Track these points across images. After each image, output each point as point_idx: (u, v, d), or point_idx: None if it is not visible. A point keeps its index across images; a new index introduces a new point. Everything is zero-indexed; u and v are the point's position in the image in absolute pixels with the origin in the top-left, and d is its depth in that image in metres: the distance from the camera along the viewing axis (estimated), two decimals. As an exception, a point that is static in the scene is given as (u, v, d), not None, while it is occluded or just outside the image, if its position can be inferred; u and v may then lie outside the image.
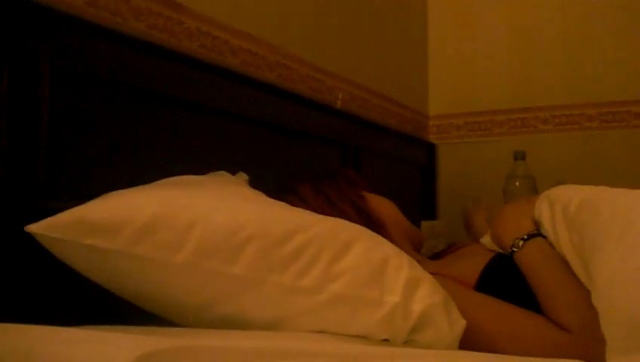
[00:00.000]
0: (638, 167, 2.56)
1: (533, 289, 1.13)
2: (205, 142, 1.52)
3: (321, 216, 1.04)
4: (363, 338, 0.92)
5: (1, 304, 1.04)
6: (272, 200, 1.11)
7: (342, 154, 2.14)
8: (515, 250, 1.21)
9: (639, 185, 1.10)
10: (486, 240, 1.38)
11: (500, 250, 1.30)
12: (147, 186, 1.07)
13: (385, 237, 1.03)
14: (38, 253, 0.96)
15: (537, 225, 1.24)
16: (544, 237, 1.20)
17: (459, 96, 2.97)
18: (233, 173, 1.39)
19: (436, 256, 1.52)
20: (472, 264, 1.27)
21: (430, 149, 2.95)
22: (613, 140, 2.64)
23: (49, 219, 0.92)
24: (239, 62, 1.70)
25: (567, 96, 2.73)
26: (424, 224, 2.38)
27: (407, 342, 0.93)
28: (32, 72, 1.13)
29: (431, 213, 2.88)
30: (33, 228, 0.92)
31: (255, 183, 1.36)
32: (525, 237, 1.21)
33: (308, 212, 1.06)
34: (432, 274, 0.99)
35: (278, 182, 1.47)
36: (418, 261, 1.02)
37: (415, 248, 1.46)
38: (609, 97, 2.65)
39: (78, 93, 1.22)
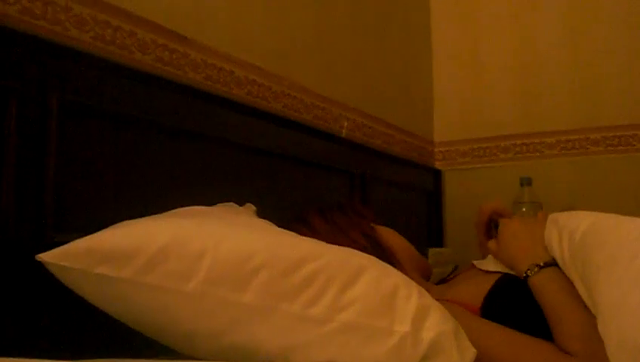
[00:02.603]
0: (644, 191, 2.56)
1: (545, 314, 1.13)
2: (212, 173, 1.52)
3: (330, 245, 1.04)
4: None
5: (11, 336, 1.04)
6: (281, 229, 1.12)
7: (348, 182, 2.15)
8: (530, 274, 1.21)
9: (646, 210, 1.10)
10: (486, 263, 1.39)
11: (504, 271, 1.30)
12: (157, 216, 1.07)
13: (395, 267, 1.03)
14: (47, 285, 0.97)
15: (548, 248, 1.24)
16: (558, 266, 1.20)
17: (464, 122, 2.98)
18: (240, 204, 1.40)
19: (442, 282, 1.52)
20: (477, 286, 1.27)
21: (436, 176, 2.95)
22: (619, 164, 2.64)
23: (60, 247, 0.93)
24: (244, 93, 1.71)
25: (573, 121, 2.73)
26: (431, 251, 2.38)
27: (418, 372, 0.92)
28: (40, 107, 1.14)
29: (438, 240, 2.88)
30: (44, 256, 0.93)
31: (262, 213, 1.37)
32: (542, 264, 1.21)
33: (317, 241, 1.06)
34: (437, 299, 0.99)
35: (286, 211, 1.48)
36: (427, 289, 1.01)
37: (424, 276, 1.46)
38: (614, 121, 2.65)
39: (85, 127, 1.23)
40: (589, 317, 1.06)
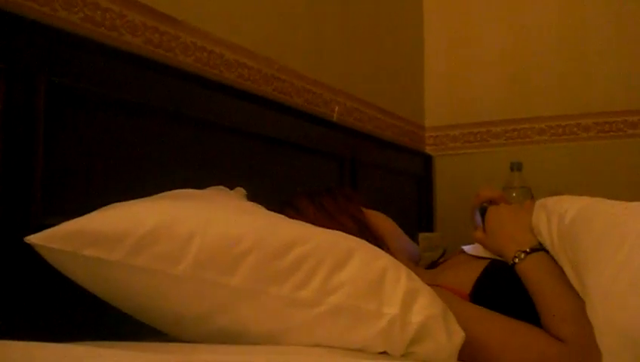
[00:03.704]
0: (634, 176, 2.57)
1: (533, 300, 1.14)
2: (202, 156, 1.52)
3: (319, 228, 1.04)
4: (361, 351, 0.92)
5: (1, 319, 1.04)
6: (271, 212, 1.12)
7: (338, 166, 2.15)
8: (517, 261, 1.21)
9: (636, 195, 1.10)
10: (475, 249, 1.39)
11: (493, 257, 1.30)
12: (146, 199, 1.07)
13: (383, 251, 1.03)
14: (36, 267, 0.96)
15: (536, 233, 1.24)
16: (546, 251, 1.20)
17: (455, 107, 2.98)
18: (230, 187, 1.39)
19: (432, 266, 1.52)
20: (466, 272, 1.28)
21: (427, 161, 2.95)
22: (609, 150, 2.64)
23: (49, 230, 0.92)
24: (235, 76, 1.70)
25: (563, 107, 2.74)
26: (421, 236, 2.38)
27: (406, 355, 0.92)
28: (28, 88, 1.13)
29: (428, 225, 2.89)
30: (33, 238, 0.93)
31: (252, 197, 1.36)
32: (528, 250, 1.21)
33: (307, 224, 1.06)
34: (427, 284, 0.99)
35: (275, 195, 1.47)
36: (416, 274, 1.02)
37: (413, 261, 1.46)
38: (605, 107, 2.66)
39: (74, 108, 1.22)
40: (577, 301, 1.06)
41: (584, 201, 1.16)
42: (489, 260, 1.30)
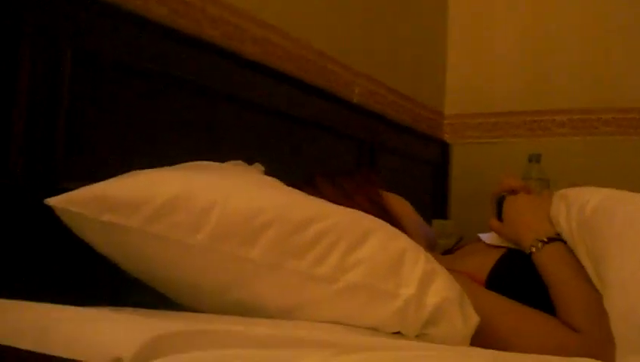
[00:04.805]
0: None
1: (549, 289, 1.13)
2: (222, 131, 1.52)
3: (339, 206, 1.03)
4: (376, 330, 0.92)
5: (19, 281, 1.04)
6: (291, 188, 1.11)
7: (357, 149, 2.14)
8: (534, 250, 1.20)
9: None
10: (490, 237, 1.38)
11: (510, 246, 1.30)
12: (167, 168, 1.07)
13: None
14: (57, 233, 0.97)
15: (554, 224, 1.24)
16: (563, 241, 1.19)
17: (475, 96, 2.96)
18: (249, 163, 1.39)
19: (447, 253, 1.52)
20: (482, 260, 1.27)
21: (444, 148, 2.94)
22: (629, 146, 2.62)
23: (69, 193, 0.93)
24: (260, 52, 1.69)
25: (584, 100, 2.71)
26: (435, 222, 2.38)
27: (420, 336, 0.92)
28: (54, 54, 1.14)
29: (442, 213, 2.87)
30: (53, 201, 0.93)
31: (270, 174, 1.36)
32: (545, 240, 1.20)
33: (326, 201, 1.06)
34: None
35: (293, 173, 1.47)
36: (433, 257, 1.01)
37: (429, 246, 1.45)
38: (626, 103, 2.63)
39: (98, 76, 1.23)
40: (593, 292, 1.06)
41: (606, 193, 1.15)
42: (506, 249, 1.30)
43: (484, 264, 1.25)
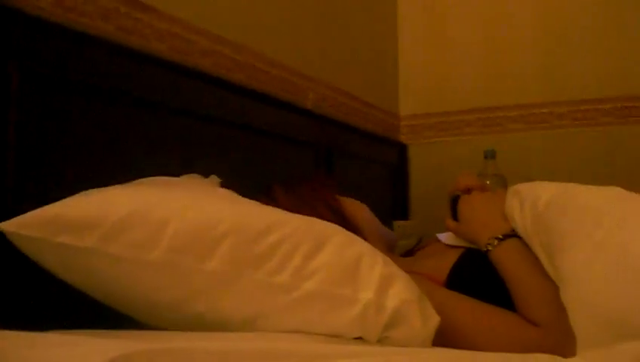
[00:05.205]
0: (607, 164, 2.59)
1: (507, 286, 1.14)
2: (176, 145, 1.51)
3: (295, 214, 1.03)
4: (337, 336, 0.92)
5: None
6: (246, 199, 1.11)
7: (313, 155, 2.14)
8: (490, 248, 1.22)
9: (609, 182, 1.11)
10: (448, 237, 1.39)
11: (468, 245, 1.31)
12: (120, 186, 1.06)
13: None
14: (7, 256, 0.95)
15: (509, 220, 1.25)
16: (519, 237, 1.21)
17: (429, 96, 2.99)
18: (204, 175, 1.39)
19: (408, 254, 1.53)
20: (441, 260, 1.29)
21: (401, 150, 2.96)
22: (583, 138, 2.66)
23: (20, 216, 0.91)
24: (210, 64, 1.69)
25: (537, 95, 2.75)
26: (396, 224, 2.39)
27: (381, 340, 0.93)
28: (1, 75, 1.12)
29: (403, 214, 2.89)
30: (4, 226, 0.91)
31: (227, 186, 1.36)
32: (501, 237, 1.22)
33: (283, 210, 1.06)
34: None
35: (250, 183, 1.47)
36: (392, 260, 1.02)
37: (389, 249, 1.46)
38: (579, 95, 2.67)
39: (47, 95, 1.21)
40: (551, 286, 1.07)
41: (558, 187, 1.17)
42: (464, 248, 1.31)
43: (443, 264, 1.26)
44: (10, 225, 0.91)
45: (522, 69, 2.79)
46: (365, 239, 1.05)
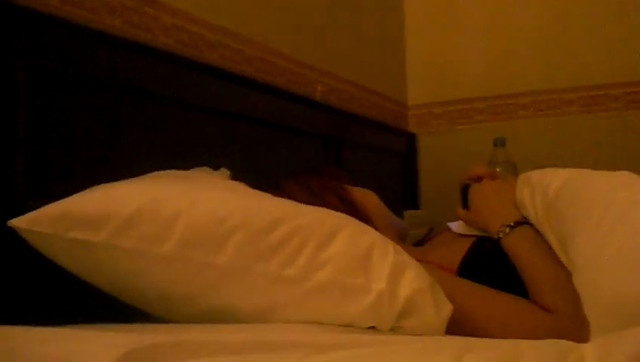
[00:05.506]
0: (617, 150, 2.58)
1: (520, 273, 1.14)
2: (185, 138, 1.51)
3: (306, 205, 1.03)
4: (350, 326, 0.92)
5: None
6: (256, 191, 1.11)
7: (323, 146, 2.14)
8: (502, 235, 1.21)
9: (619, 167, 1.10)
10: (459, 226, 1.39)
11: (479, 233, 1.31)
12: (130, 180, 1.06)
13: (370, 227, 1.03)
14: (20, 252, 0.96)
15: (520, 208, 1.25)
16: (530, 224, 1.20)
17: (438, 85, 2.98)
18: (214, 169, 1.39)
19: (419, 244, 1.52)
20: (453, 249, 1.28)
21: (410, 139, 2.95)
22: (592, 124, 2.65)
23: (32, 213, 0.92)
24: (217, 57, 1.69)
25: (546, 82, 2.74)
26: (406, 214, 2.38)
27: (394, 329, 0.92)
28: (8, 71, 1.12)
29: (413, 203, 2.89)
30: (16, 222, 0.92)
31: (236, 179, 1.36)
32: (512, 224, 1.21)
33: (293, 202, 1.06)
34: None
35: (260, 176, 1.47)
36: (404, 249, 1.01)
37: (400, 238, 1.46)
38: (587, 81, 2.66)
39: (55, 92, 1.21)
40: (563, 272, 1.06)
41: (568, 173, 1.17)
42: (475, 237, 1.31)
43: (454, 253, 1.25)
44: (22, 222, 0.92)
45: (530, 55, 2.77)
46: (376, 228, 1.04)
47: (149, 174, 1.14)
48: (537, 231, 1.18)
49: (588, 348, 0.74)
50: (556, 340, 0.84)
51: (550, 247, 1.13)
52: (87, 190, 0.98)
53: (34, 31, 1.18)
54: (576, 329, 0.97)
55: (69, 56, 1.24)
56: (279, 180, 1.41)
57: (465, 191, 1.40)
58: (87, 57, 1.27)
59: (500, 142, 2.16)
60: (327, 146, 2.16)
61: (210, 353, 0.74)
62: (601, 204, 0.99)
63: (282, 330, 0.89)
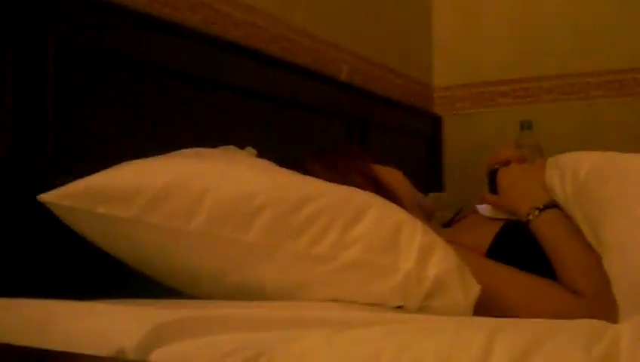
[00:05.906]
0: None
1: (549, 256, 1.13)
2: (211, 116, 1.51)
3: (333, 184, 1.03)
4: (377, 305, 0.92)
5: (15, 279, 1.04)
6: (284, 169, 1.11)
7: (347, 127, 2.13)
8: (531, 218, 1.20)
9: (645, 152, 1.09)
10: (487, 210, 1.38)
11: (507, 217, 1.30)
12: (159, 157, 1.06)
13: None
14: (50, 227, 0.96)
15: (549, 191, 1.23)
16: (559, 207, 1.19)
17: (463, 67, 2.95)
18: (240, 147, 1.38)
19: (446, 225, 1.52)
20: (482, 232, 1.27)
21: (435, 121, 2.93)
22: (619, 108, 2.62)
23: (62, 187, 0.92)
24: (243, 35, 1.68)
25: (573, 65, 2.70)
26: (431, 196, 2.37)
27: (422, 309, 0.92)
28: (37, 48, 1.13)
29: (437, 186, 2.87)
30: (46, 197, 0.93)
31: (261, 158, 1.35)
32: (541, 207, 1.20)
33: (320, 180, 1.05)
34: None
35: (285, 156, 1.46)
36: (431, 229, 1.01)
37: (426, 218, 1.45)
38: (614, 65, 2.62)
39: (83, 69, 1.22)
40: (593, 255, 1.05)
41: (597, 156, 1.15)
42: (504, 221, 1.30)
43: (483, 236, 1.24)
44: (52, 197, 0.92)
45: (557, 38, 2.74)
46: (403, 207, 1.04)
47: (177, 151, 1.15)
48: (566, 215, 1.17)
49: (623, 327, 0.73)
50: (590, 319, 0.84)
51: (579, 230, 1.12)
52: (116, 166, 0.98)
53: (62, 9, 1.18)
54: (605, 313, 0.96)
55: (97, 33, 1.24)
56: (304, 158, 1.41)
57: (492, 175, 1.39)
58: (114, 35, 1.28)
59: (526, 125, 2.15)
60: (352, 127, 2.15)
61: (239, 328, 0.74)
62: (633, 187, 0.98)
63: (309, 308, 0.89)
